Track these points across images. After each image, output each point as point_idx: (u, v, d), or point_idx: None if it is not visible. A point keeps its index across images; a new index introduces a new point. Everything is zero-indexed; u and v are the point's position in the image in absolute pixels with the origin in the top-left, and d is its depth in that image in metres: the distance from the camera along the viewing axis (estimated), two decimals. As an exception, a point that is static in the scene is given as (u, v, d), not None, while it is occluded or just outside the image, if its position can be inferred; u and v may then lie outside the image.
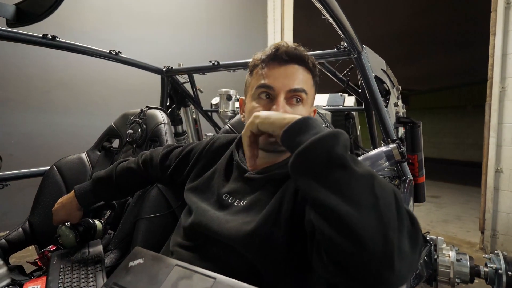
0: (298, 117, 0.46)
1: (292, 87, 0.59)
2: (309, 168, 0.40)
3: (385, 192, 0.37)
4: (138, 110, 1.33)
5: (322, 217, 0.38)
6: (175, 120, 1.90)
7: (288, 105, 0.60)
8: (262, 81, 0.60)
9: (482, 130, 2.46)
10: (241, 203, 0.60)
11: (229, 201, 0.61)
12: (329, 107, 2.12)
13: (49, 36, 1.10)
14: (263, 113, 0.51)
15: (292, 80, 0.60)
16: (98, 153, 1.33)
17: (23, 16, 0.53)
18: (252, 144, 0.53)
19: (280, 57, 0.60)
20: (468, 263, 1.34)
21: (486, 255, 1.40)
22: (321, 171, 0.39)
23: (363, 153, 1.50)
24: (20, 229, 1.08)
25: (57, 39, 1.13)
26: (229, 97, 1.85)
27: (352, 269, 0.36)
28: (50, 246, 0.80)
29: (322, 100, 2.15)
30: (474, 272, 1.33)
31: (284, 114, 0.50)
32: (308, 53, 0.64)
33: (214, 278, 0.45)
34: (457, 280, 1.32)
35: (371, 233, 0.34)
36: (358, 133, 2.11)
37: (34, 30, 0.95)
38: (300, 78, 0.61)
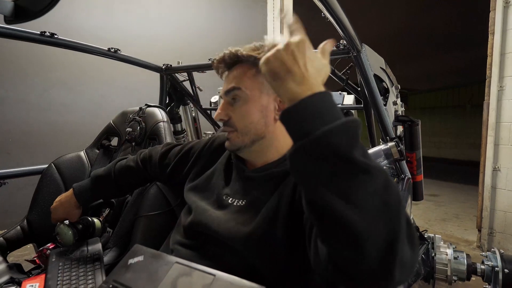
0: (305, 93, 0.37)
1: (224, 91, 0.63)
2: (313, 167, 0.35)
3: (393, 195, 0.34)
4: (137, 108, 1.33)
5: (322, 220, 0.35)
6: (174, 118, 1.89)
7: (229, 105, 0.62)
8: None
9: (481, 129, 2.47)
10: (240, 202, 0.60)
11: (229, 201, 0.62)
12: (328, 105, 2.11)
13: (47, 33, 1.09)
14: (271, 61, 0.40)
15: (225, 84, 0.63)
16: (97, 151, 1.32)
17: (21, 12, 0.52)
18: None
19: (220, 71, 0.66)
20: (465, 261, 1.35)
21: (483, 253, 1.42)
22: (329, 171, 0.34)
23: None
24: (19, 227, 1.08)
25: (55, 36, 1.12)
26: (228, 96, 1.84)
27: (351, 273, 0.35)
28: (48, 244, 0.80)
29: (321, 98, 2.15)
30: (471, 270, 1.34)
31: (297, 75, 0.38)
32: None
33: (214, 275, 0.45)
34: (454, 278, 1.33)
35: (375, 243, 0.32)
36: (357, 132, 2.11)
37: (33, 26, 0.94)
38: (231, 78, 0.62)
